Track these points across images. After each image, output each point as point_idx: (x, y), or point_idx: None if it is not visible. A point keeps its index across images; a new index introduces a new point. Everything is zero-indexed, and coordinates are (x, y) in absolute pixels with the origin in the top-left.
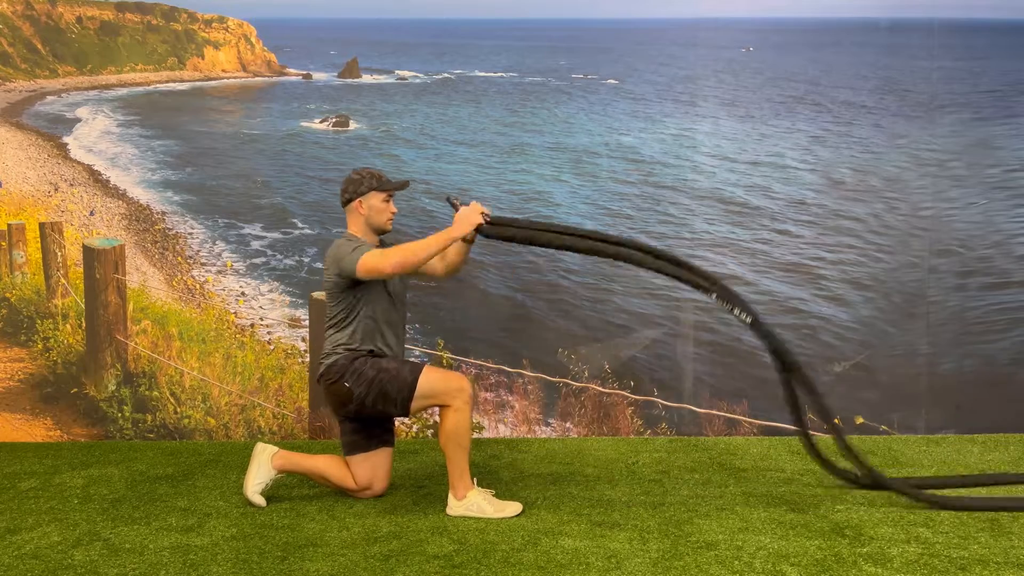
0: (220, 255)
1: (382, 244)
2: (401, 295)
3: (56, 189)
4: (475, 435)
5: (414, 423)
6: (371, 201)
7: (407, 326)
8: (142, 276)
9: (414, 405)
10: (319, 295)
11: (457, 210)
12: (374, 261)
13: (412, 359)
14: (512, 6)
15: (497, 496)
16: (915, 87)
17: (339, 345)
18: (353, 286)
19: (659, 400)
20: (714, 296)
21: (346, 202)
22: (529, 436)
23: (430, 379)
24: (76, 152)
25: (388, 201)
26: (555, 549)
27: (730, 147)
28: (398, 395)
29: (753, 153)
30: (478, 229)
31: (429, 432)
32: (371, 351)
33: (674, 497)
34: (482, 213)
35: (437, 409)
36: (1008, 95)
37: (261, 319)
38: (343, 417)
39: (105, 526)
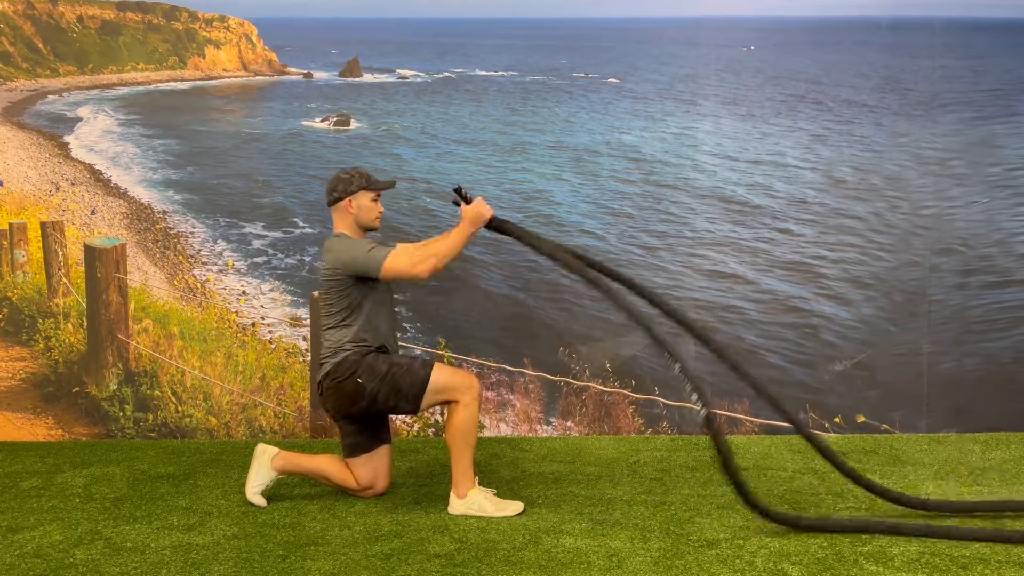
0: (221, 254)
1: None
2: (391, 285)
3: (57, 188)
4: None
5: (415, 422)
6: (360, 200)
7: (406, 325)
8: (143, 275)
9: (425, 400)
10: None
11: (468, 202)
12: (403, 267)
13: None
14: (513, 5)
15: (498, 495)
16: (916, 86)
17: (346, 342)
18: (356, 283)
19: (660, 399)
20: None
21: (334, 201)
22: (530, 435)
23: (442, 374)
24: (77, 151)
25: (376, 200)
26: (556, 548)
27: (731, 146)
28: (410, 390)
29: (754, 152)
30: (488, 223)
31: (431, 431)
32: (380, 347)
33: (675, 496)
34: None
35: (438, 408)
36: (1009, 93)
37: (262, 318)
38: (347, 417)
39: (107, 525)
